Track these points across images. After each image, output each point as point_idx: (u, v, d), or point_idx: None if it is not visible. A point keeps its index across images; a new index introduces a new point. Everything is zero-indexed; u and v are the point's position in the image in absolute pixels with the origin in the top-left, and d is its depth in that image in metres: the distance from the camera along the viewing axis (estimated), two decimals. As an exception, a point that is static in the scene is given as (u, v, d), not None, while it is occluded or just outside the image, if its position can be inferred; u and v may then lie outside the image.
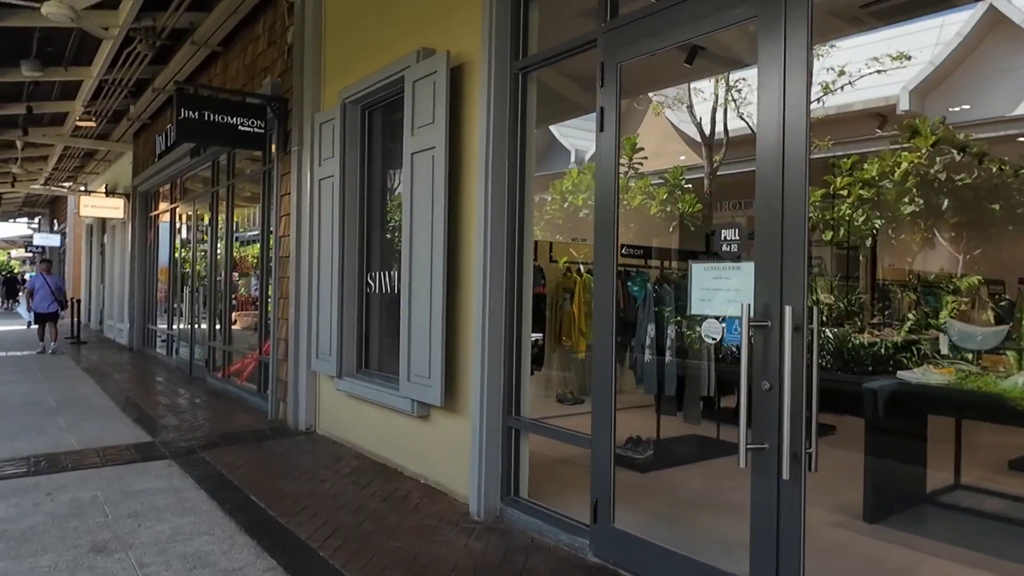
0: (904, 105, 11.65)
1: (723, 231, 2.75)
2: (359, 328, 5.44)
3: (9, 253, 47.45)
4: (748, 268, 2.65)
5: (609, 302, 3.23)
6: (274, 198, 6.64)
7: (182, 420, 6.59)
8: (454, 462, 4.22)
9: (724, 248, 2.74)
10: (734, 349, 6.00)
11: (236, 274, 8.74)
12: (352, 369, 5.44)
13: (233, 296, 8.56)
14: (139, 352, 12.61)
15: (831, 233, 9.38)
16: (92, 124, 10.85)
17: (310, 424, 6.06)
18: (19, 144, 12.62)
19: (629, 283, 5.29)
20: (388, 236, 5.36)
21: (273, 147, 6.78)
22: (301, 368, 6.08)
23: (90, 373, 9.75)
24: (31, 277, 11.21)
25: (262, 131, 6.35)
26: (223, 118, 6.12)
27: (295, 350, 6.14)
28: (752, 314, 2.54)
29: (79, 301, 15.11)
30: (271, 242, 7.38)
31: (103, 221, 17.13)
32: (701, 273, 2.84)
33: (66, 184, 19.34)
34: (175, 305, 11.18)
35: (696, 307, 2.86)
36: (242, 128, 6.23)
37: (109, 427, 6.25)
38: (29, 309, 12.55)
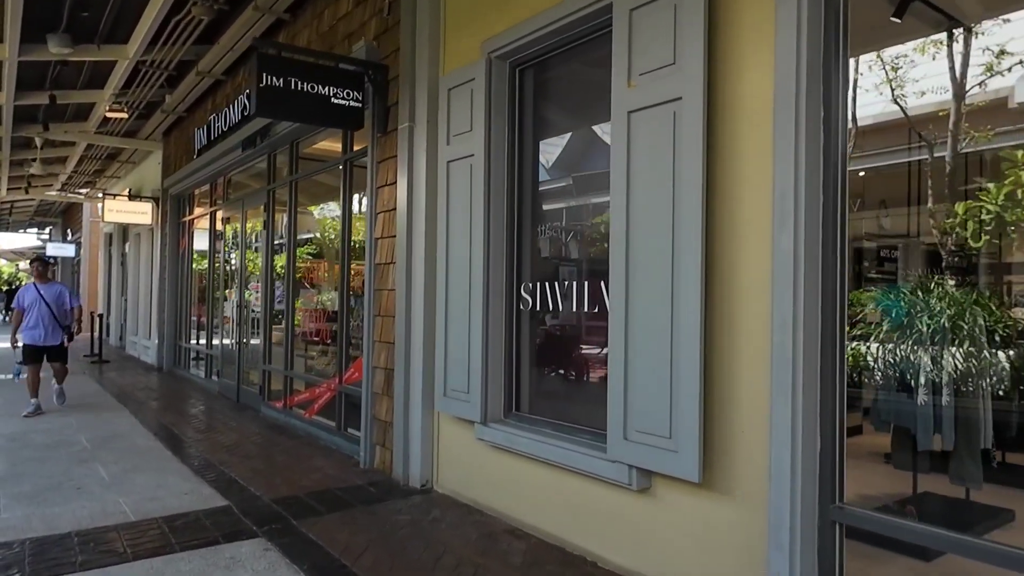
0: (1020, 97, 10.32)
1: None
2: (508, 358, 4.09)
3: (17, 265, 46.38)
4: None
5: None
6: (369, 191, 5.30)
7: (252, 469, 5.23)
8: (709, 563, 2.85)
9: None
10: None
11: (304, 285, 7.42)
12: (499, 412, 4.08)
13: (300, 312, 7.23)
14: (170, 373, 11.28)
15: (986, 238, 7.94)
16: (124, 115, 9.59)
17: (426, 479, 4.69)
18: (38, 142, 11.36)
19: (880, 295, 3.93)
20: (554, 234, 4.02)
21: (352, 137, 5.48)
22: (414, 407, 4.72)
23: (122, 400, 8.41)
24: (22, 289, 7.80)
25: (359, 104, 5.03)
26: (313, 87, 4.80)
27: (404, 383, 4.79)
28: None
29: (101, 316, 13.80)
30: (350, 242, 6.08)
31: (124, 229, 15.87)
32: None
33: (83, 190, 18.12)
34: (215, 321, 9.85)
35: None
36: (335, 100, 4.90)
37: (164, 480, 4.90)
38: (15, 344, 7.41)
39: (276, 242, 7.74)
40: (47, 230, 30.66)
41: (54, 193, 18.18)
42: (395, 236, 4.96)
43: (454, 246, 4.29)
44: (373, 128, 5.20)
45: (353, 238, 6.11)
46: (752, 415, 2.70)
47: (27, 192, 17.71)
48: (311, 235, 7.73)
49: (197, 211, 11.03)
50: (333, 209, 7.35)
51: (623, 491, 3.20)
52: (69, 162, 14.13)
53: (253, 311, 8.42)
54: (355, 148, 5.98)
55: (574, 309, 3.72)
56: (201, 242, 10.91)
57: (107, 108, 9.44)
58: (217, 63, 8.22)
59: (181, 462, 5.45)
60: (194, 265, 11.16)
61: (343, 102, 4.94)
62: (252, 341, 8.37)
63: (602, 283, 3.53)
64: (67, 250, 23.34)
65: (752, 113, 2.73)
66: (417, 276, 4.73)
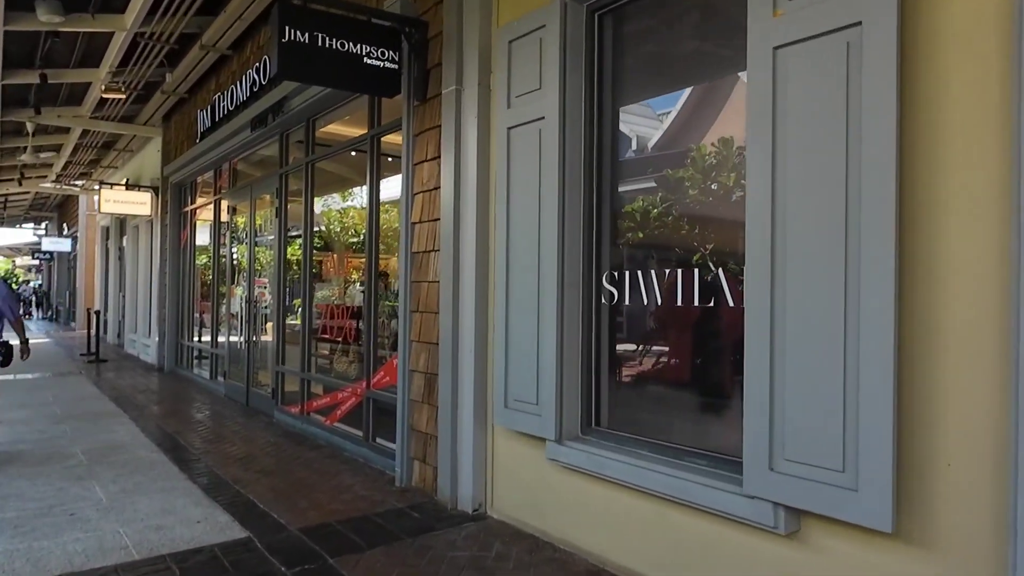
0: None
1: None
2: (587, 363, 3.40)
3: (14, 261, 45.56)
4: None
5: None
6: (404, 168, 4.60)
7: (272, 488, 4.55)
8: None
9: None
10: None
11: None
12: (575, 428, 3.40)
13: (317, 308, 6.54)
14: (172, 374, 10.59)
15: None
16: (121, 95, 8.87)
17: (479, 503, 4.01)
18: (29, 127, 10.64)
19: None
20: (647, 211, 3.31)
21: (380, 110, 4.80)
22: (464, 418, 4.04)
23: (121, 405, 7.72)
24: None
25: (396, 67, 4.33)
26: (343, 45, 4.10)
27: (451, 390, 4.10)
28: None
29: (98, 313, 13.10)
30: (378, 229, 5.40)
31: (121, 222, 15.17)
32: None
33: (79, 182, 17.39)
34: (220, 317, 9.15)
35: None
36: (369, 61, 4.21)
37: (171, 503, 4.22)
38: None
39: (290, 233, 7.05)
40: (43, 225, 29.89)
41: (49, 185, 17.43)
42: (438, 220, 4.27)
43: (518, 228, 3.60)
44: (409, 96, 4.50)
45: (382, 224, 5.42)
46: (965, 444, 2.02)
47: (20, 184, 16.96)
48: (319, 227, 7.03)
49: (200, 200, 10.31)
50: (354, 195, 6.67)
51: (761, 534, 2.52)
52: (63, 151, 13.40)
53: (263, 307, 7.74)
54: (383, 122, 5.29)
55: (678, 303, 3.03)
56: (204, 234, 10.21)
57: (103, 88, 8.72)
58: (222, 36, 7.52)
59: (189, 479, 4.76)
60: (197, 260, 10.44)
61: (378, 63, 4.24)
62: (262, 338, 7.69)
63: (720, 271, 2.85)
64: (63, 245, 22.62)
65: (963, 36, 2.04)
66: (466, 265, 4.04)
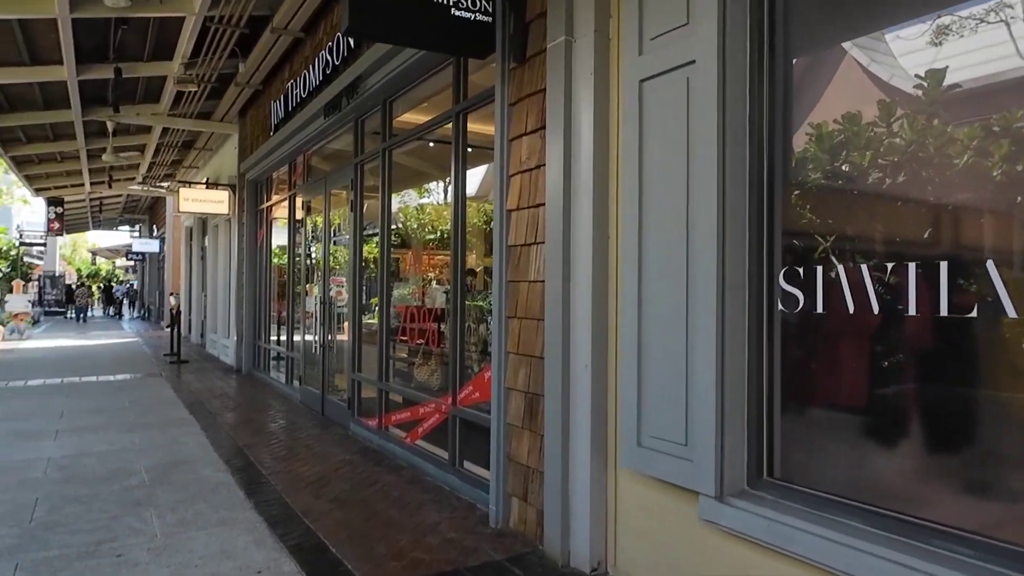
0: None
1: None
2: (759, 391, 2.51)
3: (114, 262, 48.00)
4: None
5: None
6: (498, 145, 3.81)
7: (347, 525, 3.86)
8: None
9: None
10: None
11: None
12: (741, 478, 2.51)
13: (396, 311, 5.87)
14: (249, 377, 10.26)
15: None
16: (194, 87, 8.55)
17: (598, 561, 3.18)
18: (110, 126, 10.55)
19: None
20: (848, 181, 2.39)
21: (467, 83, 4.03)
22: (578, 454, 3.22)
23: (194, 411, 7.32)
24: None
25: (489, 19, 3.55)
26: (426, -7, 3.35)
27: (560, 417, 3.29)
28: None
29: (179, 313, 13.05)
30: (465, 220, 4.64)
31: (203, 221, 15.20)
32: None
33: (164, 184, 17.66)
34: (295, 319, 8.69)
35: None
36: (457, 12, 3.44)
37: (231, 542, 3.60)
38: None
39: (366, 232, 6.42)
40: (136, 227, 31.13)
41: (136, 187, 17.79)
42: (541, 205, 3.46)
43: (655, 211, 2.74)
44: (504, 56, 3.71)
45: (471, 219, 4.67)
46: None
47: (110, 187, 17.38)
48: (397, 225, 6.36)
49: (275, 197, 9.92)
50: (435, 189, 5.99)
51: None
52: (147, 151, 13.43)
53: (340, 306, 7.18)
54: (469, 95, 4.54)
55: (908, 311, 2.10)
56: (280, 231, 9.81)
57: (175, 80, 8.40)
58: (294, 16, 6.99)
59: (254, 509, 4.15)
60: (274, 259, 10.07)
61: (468, 15, 3.47)
62: (338, 337, 7.13)
63: (991, 266, 1.91)
64: (152, 246, 23.27)
65: None
66: (580, 261, 3.22)
